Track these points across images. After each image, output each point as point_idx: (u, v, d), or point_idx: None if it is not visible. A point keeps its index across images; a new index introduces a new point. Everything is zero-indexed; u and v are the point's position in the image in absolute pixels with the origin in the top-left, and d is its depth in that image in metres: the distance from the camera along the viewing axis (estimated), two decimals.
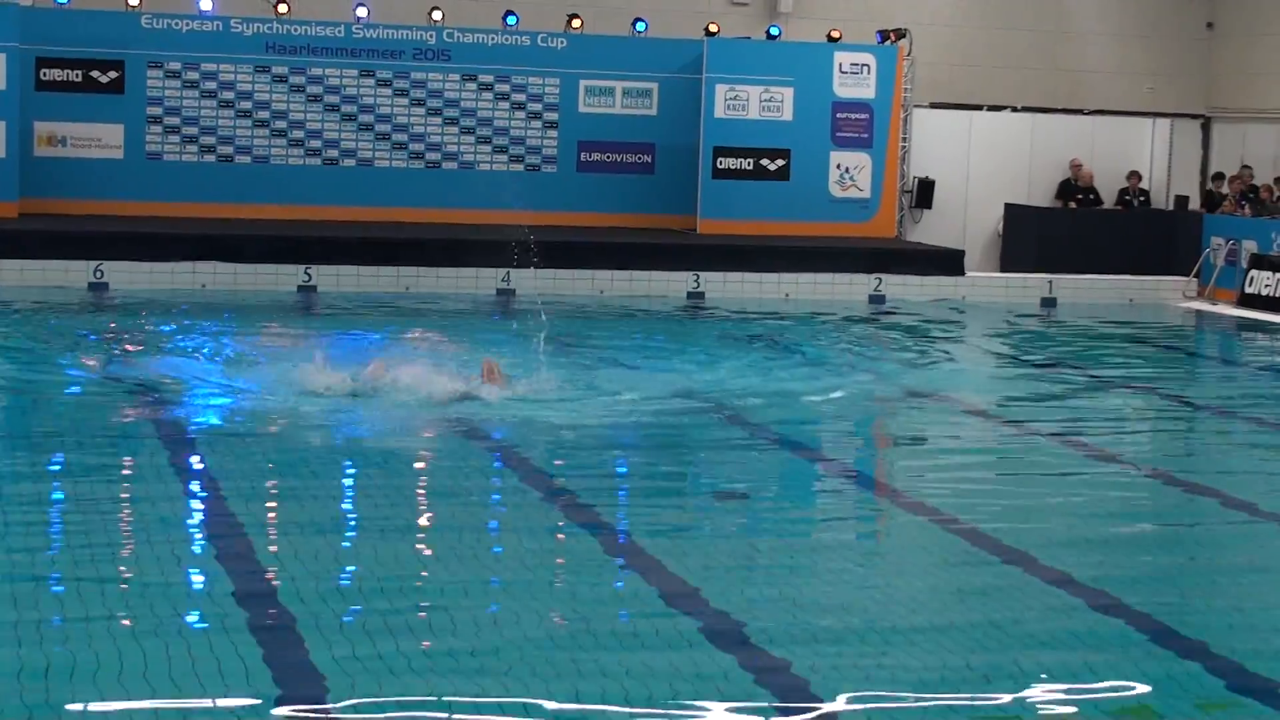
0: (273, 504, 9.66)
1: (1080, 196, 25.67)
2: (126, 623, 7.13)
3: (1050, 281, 23.19)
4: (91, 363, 14.59)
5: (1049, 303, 22.86)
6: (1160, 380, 16.66)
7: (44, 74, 21.94)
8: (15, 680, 6.33)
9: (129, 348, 15.71)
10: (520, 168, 23.49)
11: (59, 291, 19.28)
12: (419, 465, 11.02)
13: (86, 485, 9.87)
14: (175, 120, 22.47)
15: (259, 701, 6.28)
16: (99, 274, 19.81)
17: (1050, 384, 15.83)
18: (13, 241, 20.00)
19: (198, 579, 7.88)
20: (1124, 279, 23.71)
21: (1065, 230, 24.87)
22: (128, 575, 7.95)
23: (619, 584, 8.22)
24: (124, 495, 9.77)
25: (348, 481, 10.43)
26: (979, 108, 26.37)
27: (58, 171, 21.98)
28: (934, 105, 25.90)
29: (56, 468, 10.50)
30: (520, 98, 23.38)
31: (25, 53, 21.57)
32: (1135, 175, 26.20)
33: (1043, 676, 6.94)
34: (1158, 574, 8.96)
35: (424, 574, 8.22)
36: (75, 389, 13.31)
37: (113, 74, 22.18)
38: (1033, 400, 14.77)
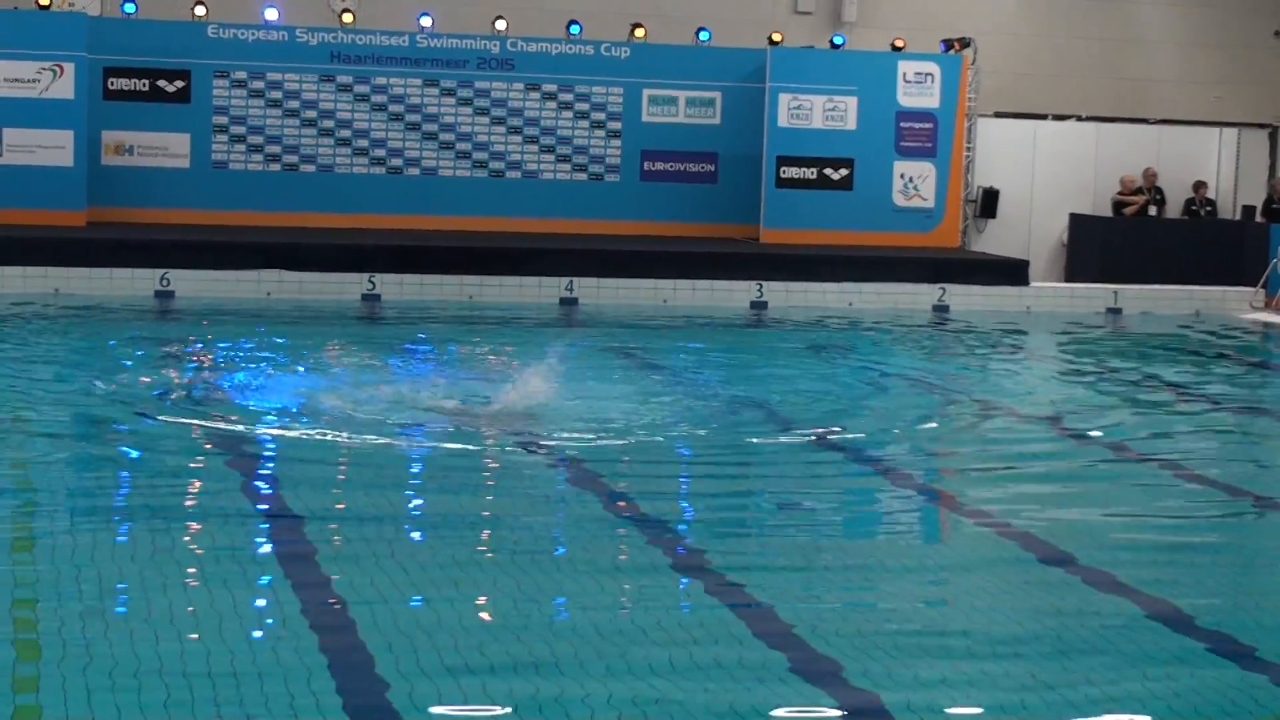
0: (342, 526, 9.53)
1: (1128, 206, 25.46)
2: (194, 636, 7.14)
3: (1115, 292, 23.02)
4: (161, 375, 14.60)
5: (1114, 313, 22.67)
6: (1229, 392, 16.45)
7: (111, 84, 22.11)
8: None
9: (198, 359, 15.75)
10: (584, 177, 23.53)
11: (126, 299, 19.35)
12: (483, 487, 10.79)
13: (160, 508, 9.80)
14: (241, 129, 22.62)
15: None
16: (165, 282, 19.88)
17: (1116, 395, 15.67)
18: (80, 250, 20.12)
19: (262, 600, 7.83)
20: (1190, 289, 23.47)
21: (1130, 240, 24.67)
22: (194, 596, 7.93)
23: (685, 606, 8.16)
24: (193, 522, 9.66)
25: (413, 502, 10.33)
26: (1044, 117, 26.23)
27: (125, 180, 22.17)
28: (998, 114, 25.80)
29: (123, 492, 10.40)
30: (583, 107, 23.40)
31: (93, 63, 21.74)
32: (1201, 185, 26.00)
33: (1106, 688, 6.90)
34: (1223, 585, 8.88)
35: (488, 587, 8.16)
36: (143, 403, 13.18)
37: (179, 83, 22.33)
38: (1100, 411, 14.56)
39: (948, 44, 24.52)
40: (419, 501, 10.27)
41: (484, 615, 7.60)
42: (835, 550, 9.29)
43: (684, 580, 8.46)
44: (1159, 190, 25.73)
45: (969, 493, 10.96)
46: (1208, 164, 26.57)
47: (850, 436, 12.63)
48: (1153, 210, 25.57)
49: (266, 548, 8.77)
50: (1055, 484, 11.41)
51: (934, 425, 13.69)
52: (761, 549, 9.24)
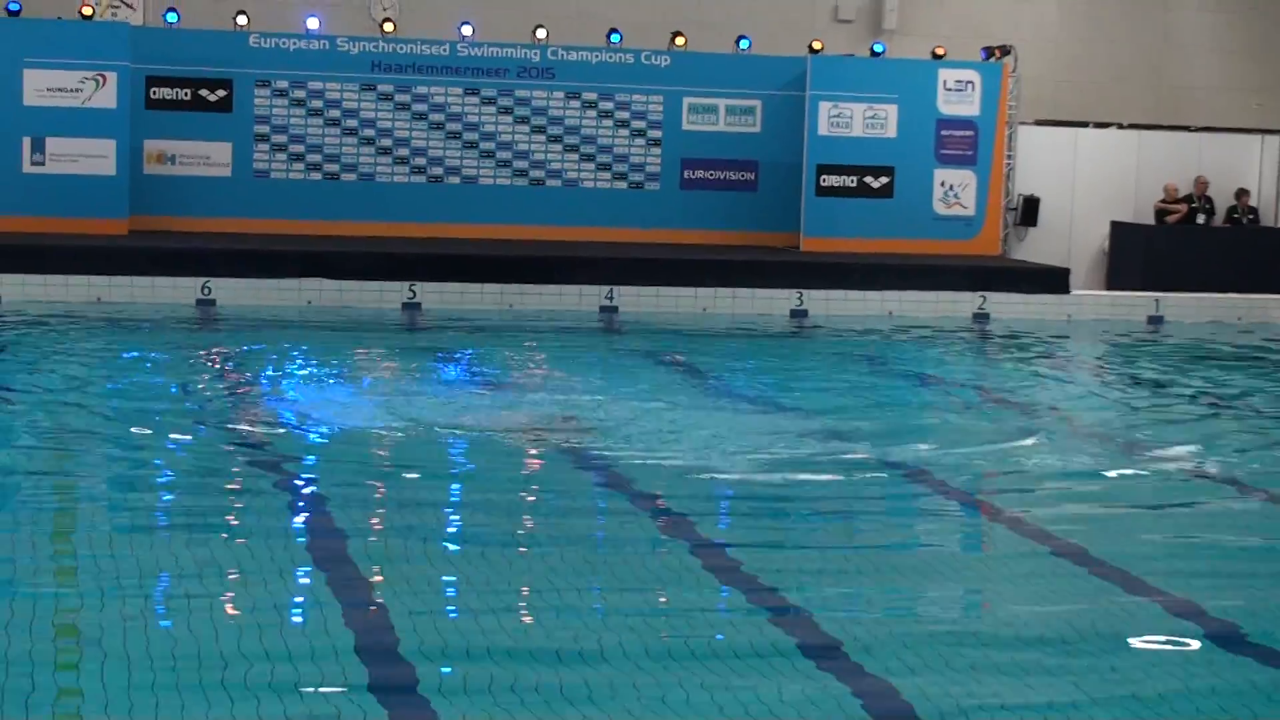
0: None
1: (1171, 214, 25.31)
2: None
3: (1157, 300, 22.84)
4: (202, 384, 14.60)
5: (1156, 321, 22.49)
6: (1275, 401, 16.23)
7: (154, 93, 22.13)
8: None
9: (239, 368, 15.77)
10: (624, 185, 23.50)
11: (167, 308, 19.30)
12: (527, 500, 10.59)
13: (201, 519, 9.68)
14: (282, 138, 22.61)
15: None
16: (206, 291, 19.88)
17: (1160, 404, 15.52)
18: (122, 258, 20.05)
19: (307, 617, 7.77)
20: (1232, 297, 23.29)
21: (1172, 248, 24.52)
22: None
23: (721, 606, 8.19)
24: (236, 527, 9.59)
25: (458, 518, 10.19)
26: (1084, 124, 25.98)
27: (167, 189, 22.15)
28: (1039, 122, 25.60)
29: (167, 505, 10.32)
30: (624, 115, 23.35)
31: (135, 72, 21.75)
32: (1244, 193, 25.82)
33: (1153, 705, 6.87)
34: (1270, 600, 8.76)
35: (528, 594, 8.18)
36: (183, 412, 13.19)
37: (221, 92, 22.34)
38: (1142, 420, 14.43)
39: (988, 51, 24.32)
40: (461, 514, 10.19)
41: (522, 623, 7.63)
42: (876, 561, 9.24)
43: (724, 590, 8.43)
44: (1208, 199, 25.55)
45: (1018, 506, 10.79)
46: (1250, 171, 26.32)
47: (891, 447, 12.44)
48: (1201, 219, 25.39)
49: (308, 560, 8.75)
50: (1102, 494, 11.30)
51: (978, 436, 13.49)
52: (805, 562, 9.15)
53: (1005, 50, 24.34)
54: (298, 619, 7.52)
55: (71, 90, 21.43)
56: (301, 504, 10.04)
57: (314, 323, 19.07)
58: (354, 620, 7.40)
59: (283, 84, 22.56)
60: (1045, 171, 25.27)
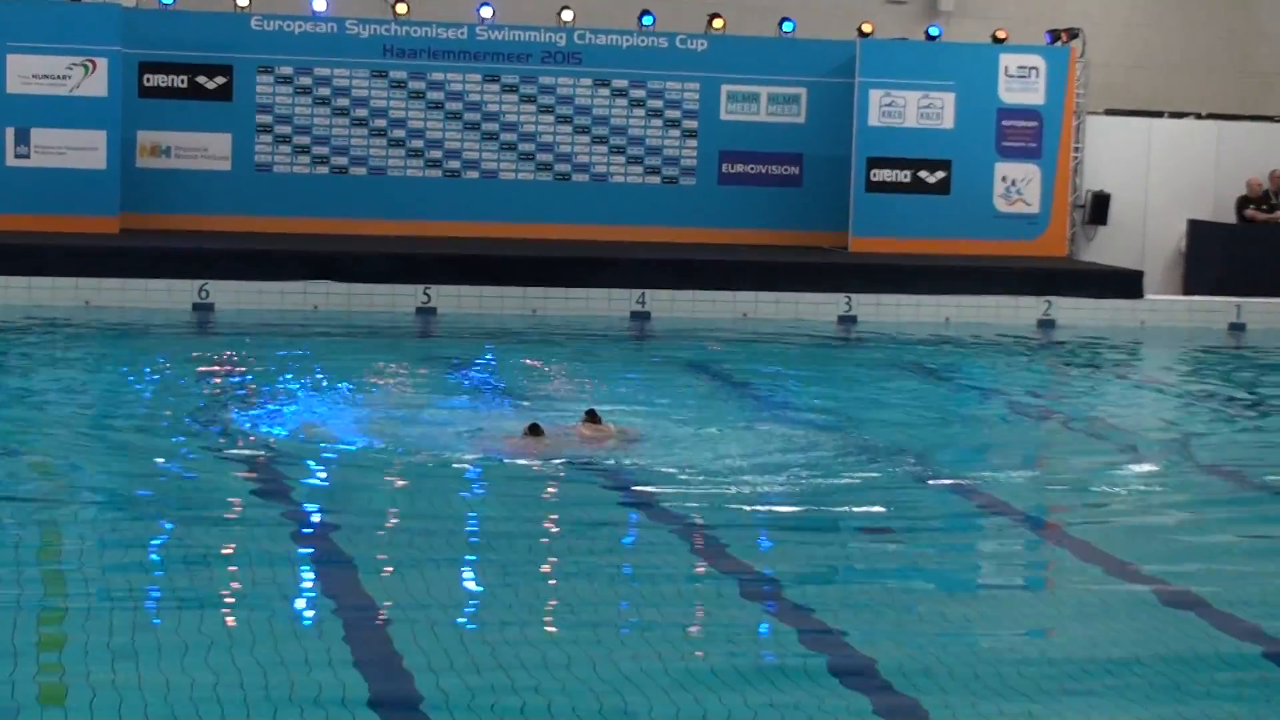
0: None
1: (1252, 207, 24.37)
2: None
3: (1238, 305, 22.19)
4: (199, 397, 14.13)
5: (1237, 328, 21.91)
6: None
7: (147, 80, 21.88)
8: None
9: (237, 380, 15.44)
10: (657, 180, 22.99)
11: (162, 313, 18.98)
12: (554, 523, 10.33)
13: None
14: (286, 129, 22.32)
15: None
16: (204, 294, 19.56)
17: (1238, 419, 15.07)
18: (114, 259, 19.83)
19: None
20: None
21: (1255, 249, 23.73)
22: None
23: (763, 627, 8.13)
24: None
25: (472, 531, 10.01)
26: (1159, 114, 25.41)
27: (161, 184, 21.86)
28: (1109, 112, 25.06)
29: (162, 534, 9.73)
30: (657, 104, 22.99)
31: (128, 57, 21.60)
32: None
33: None
34: None
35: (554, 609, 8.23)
36: (179, 434, 12.58)
37: (220, 79, 22.10)
38: (1217, 436, 14.08)
39: (1054, 35, 23.89)
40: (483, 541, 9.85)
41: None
42: (927, 581, 9.07)
43: (759, 610, 8.35)
44: None
45: (1074, 523, 10.57)
46: None
47: (948, 465, 12.23)
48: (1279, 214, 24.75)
49: (311, 581, 8.66)
50: (1167, 512, 11.03)
51: (1037, 451, 13.37)
52: (846, 579, 9.09)
53: (1073, 33, 23.86)
54: (305, 660, 7.19)
55: (59, 77, 21.10)
56: (307, 540, 9.68)
57: (320, 329, 18.74)
58: (368, 669, 7.12)
59: (287, 70, 22.21)
60: (1116, 165, 24.59)
